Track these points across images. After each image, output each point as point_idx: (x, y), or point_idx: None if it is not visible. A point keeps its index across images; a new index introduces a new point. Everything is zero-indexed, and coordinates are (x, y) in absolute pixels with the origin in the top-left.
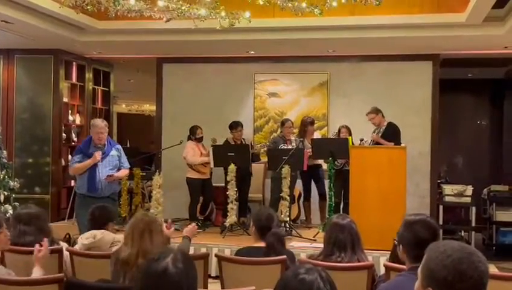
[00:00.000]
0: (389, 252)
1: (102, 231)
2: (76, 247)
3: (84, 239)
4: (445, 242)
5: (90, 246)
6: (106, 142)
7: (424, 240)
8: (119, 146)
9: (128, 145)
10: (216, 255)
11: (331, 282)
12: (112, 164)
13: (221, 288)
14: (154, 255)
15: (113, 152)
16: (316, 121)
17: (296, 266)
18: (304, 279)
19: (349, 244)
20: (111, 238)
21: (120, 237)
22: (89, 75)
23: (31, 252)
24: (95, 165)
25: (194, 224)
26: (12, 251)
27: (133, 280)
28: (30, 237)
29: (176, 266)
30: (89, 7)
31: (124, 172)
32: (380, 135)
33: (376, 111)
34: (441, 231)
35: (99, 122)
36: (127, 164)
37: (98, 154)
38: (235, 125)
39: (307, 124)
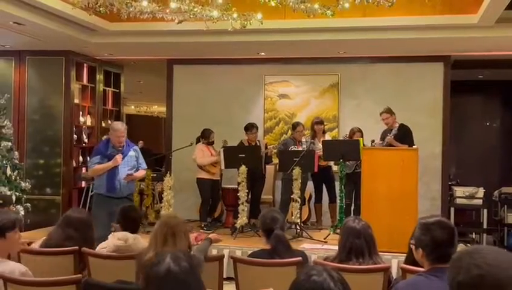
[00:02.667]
0: (401, 253)
1: (135, 235)
2: (103, 244)
3: (116, 239)
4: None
5: (119, 249)
6: (124, 143)
7: (442, 241)
8: (136, 147)
9: (141, 147)
10: (232, 257)
11: (343, 281)
12: (130, 165)
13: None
14: (154, 261)
15: (131, 153)
16: (325, 122)
17: (307, 268)
18: (315, 280)
19: (366, 250)
20: (141, 246)
21: None
22: (99, 77)
23: (58, 253)
24: (114, 166)
25: (221, 238)
26: (39, 252)
27: None
28: (72, 242)
29: (179, 265)
30: (101, 9)
31: (141, 172)
32: (392, 137)
33: (391, 111)
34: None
35: (120, 126)
36: (144, 165)
37: (119, 157)
38: (250, 127)
39: (313, 125)
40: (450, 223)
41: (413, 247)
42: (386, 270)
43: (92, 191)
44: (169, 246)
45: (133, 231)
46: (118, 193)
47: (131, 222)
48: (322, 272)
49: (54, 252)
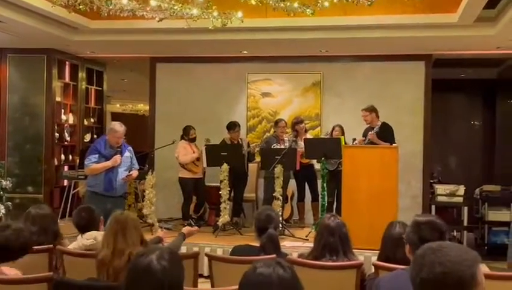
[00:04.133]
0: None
1: (102, 233)
2: (74, 244)
3: (85, 239)
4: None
5: (90, 248)
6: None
7: (429, 241)
8: (130, 148)
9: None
10: (206, 255)
11: (292, 269)
12: (126, 165)
13: (211, 287)
14: (142, 251)
15: (127, 153)
16: (307, 121)
17: (257, 262)
18: (262, 272)
19: (340, 248)
20: None
21: None
22: (82, 75)
23: (32, 251)
24: (112, 166)
25: (196, 228)
26: None
27: (110, 280)
28: (34, 236)
29: (160, 263)
30: (81, 6)
31: (135, 173)
32: (374, 134)
33: (371, 109)
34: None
35: (119, 128)
36: (137, 165)
37: (118, 158)
38: (232, 126)
39: (293, 125)
40: (441, 225)
41: (405, 241)
42: (359, 267)
43: (73, 190)
44: (119, 242)
45: (89, 230)
46: (114, 193)
47: (84, 223)
48: (270, 263)
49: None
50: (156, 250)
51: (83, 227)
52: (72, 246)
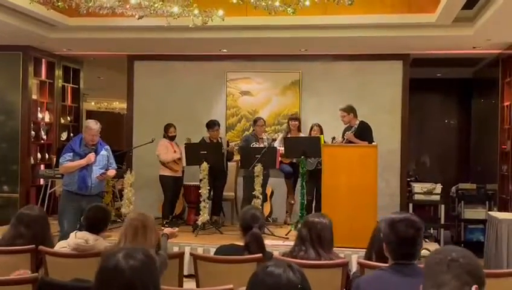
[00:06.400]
0: (360, 249)
1: (96, 237)
2: (63, 243)
3: (78, 238)
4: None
5: (79, 247)
6: (97, 142)
7: (406, 238)
8: (107, 146)
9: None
10: (191, 254)
11: (302, 272)
12: (102, 164)
13: (197, 287)
14: (109, 252)
15: (103, 152)
16: (286, 120)
17: (267, 263)
18: (273, 271)
19: (316, 240)
20: (102, 248)
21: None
22: (58, 72)
23: (12, 252)
24: (86, 165)
25: (176, 229)
26: None
27: None
28: (22, 240)
29: (128, 262)
30: (59, 3)
31: (112, 172)
32: (353, 133)
33: (348, 110)
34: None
35: (94, 125)
36: (114, 164)
37: (92, 156)
38: (212, 124)
39: (288, 120)
40: (417, 222)
41: (382, 240)
42: (345, 265)
43: (50, 189)
44: (139, 240)
45: (98, 231)
46: (89, 191)
47: (96, 222)
48: (280, 264)
49: (9, 251)
50: (124, 249)
51: (91, 226)
52: (61, 244)
